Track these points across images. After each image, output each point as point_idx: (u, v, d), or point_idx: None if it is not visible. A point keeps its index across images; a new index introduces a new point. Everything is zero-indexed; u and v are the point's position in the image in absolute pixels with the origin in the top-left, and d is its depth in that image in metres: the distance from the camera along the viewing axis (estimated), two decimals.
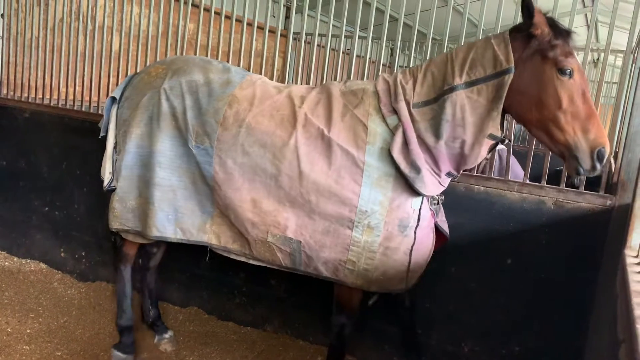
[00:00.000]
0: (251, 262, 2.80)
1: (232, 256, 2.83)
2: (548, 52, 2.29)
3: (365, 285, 2.60)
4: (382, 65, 3.52)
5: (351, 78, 3.35)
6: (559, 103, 2.27)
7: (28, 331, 3.43)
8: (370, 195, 2.48)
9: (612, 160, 3.13)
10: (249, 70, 3.23)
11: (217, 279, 3.81)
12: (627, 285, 1.71)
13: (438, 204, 2.70)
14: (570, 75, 2.28)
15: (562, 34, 2.32)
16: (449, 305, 3.15)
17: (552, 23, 2.34)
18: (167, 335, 3.43)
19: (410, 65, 3.36)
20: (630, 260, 2.08)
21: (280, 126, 2.60)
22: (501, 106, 2.35)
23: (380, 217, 2.49)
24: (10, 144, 4.56)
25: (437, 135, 2.43)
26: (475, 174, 3.10)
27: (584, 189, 2.84)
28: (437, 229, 2.71)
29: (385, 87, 2.58)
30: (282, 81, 3.45)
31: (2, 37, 4.65)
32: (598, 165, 2.26)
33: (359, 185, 2.48)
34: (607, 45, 2.90)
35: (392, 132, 2.49)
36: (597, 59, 8.13)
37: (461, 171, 2.60)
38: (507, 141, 2.54)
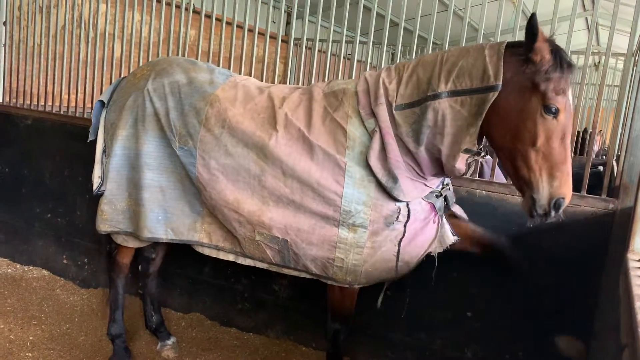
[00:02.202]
0: (240, 260, 2.79)
1: (221, 255, 2.82)
2: (540, 84, 2.11)
3: (356, 281, 2.59)
4: None
5: None
6: (534, 140, 2.13)
7: (31, 338, 3.43)
8: (354, 196, 2.45)
9: (615, 164, 3.13)
10: (250, 76, 3.24)
11: (220, 285, 3.81)
12: (630, 289, 1.71)
13: (441, 195, 2.64)
14: (556, 115, 2.12)
15: (562, 66, 2.13)
16: (452, 310, 3.14)
17: (556, 51, 2.15)
18: (169, 342, 3.42)
19: None
20: (633, 264, 2.08)
21: (261, 127, 2.58)
22: (480, 123, 2.22)
23: (365, 217, 2.47)
24: (12, 151, 4.58)
25: (418, 141, 2.35)
26: (477, 178, 3.10)
27: (586, 193, 2.84)
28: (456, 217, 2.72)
29: (365, 88, 2.51)
30: None
31: (5, 45, 4.68)
32: (553, 213, 2.15)
33: (342, 187, 2.45)
34: (607, 48, 2.90)
35: (371, 136, 2.44)
36: (598, 62, 8.14)
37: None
38: (482, 154, 2.39)
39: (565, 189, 2.13)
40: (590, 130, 4.14)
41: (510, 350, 3.04)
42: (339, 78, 3.77)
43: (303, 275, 2.69)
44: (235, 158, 2.61)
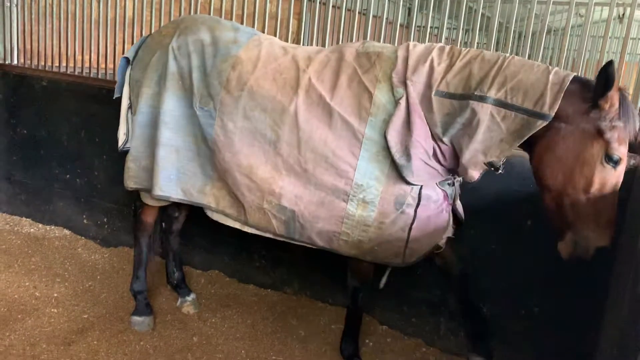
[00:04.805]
0: (246, 229, 2.79)
1: (229, 222, 2.82)
2: (605, 132, 2.05)
3: (360, 255, 2.59)
4: (400, 25, 3.44)
5: (367, 39, 3.27)
6: (588, 187, 2.09)
7: (55, 295, 3.53)
8: (367, 169, 2.42)
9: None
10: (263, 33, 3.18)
11: (238, 243, 3.85)
12: None
13: (453, 185, 2.61)
14: (616, 165, 2.07)
15: (628, 115, 2.06)
16: (468, 266, 3.15)
17: (623, 100, 2.08)
18: (189, 298, 3.50)
19: (428, 25, 3.27)
20: None
21: (282, 90, 2.54)
22: (516, 145, 2.20)
23: (376, 193, 2.43)
24: (29, 112, 4.60)
25: (445, 132, 2.32)
26: None
27: None
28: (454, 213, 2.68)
29: (405, 55, 2.41)
30: (297, 44, 3.40)
31: (17, 5, 4.64)
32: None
33: (356, 158, 2.41)
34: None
35: (397, 104, 2.37)
36: (623, 15, 7.85)
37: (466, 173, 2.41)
38: (500, 171, 2.37)
39: (609, 240, 2.14)
40: None
41: (526, 306, 3.06)
42: (355, 34, 3.70)
43: (308, 246, 2.69)
44: (252, 122, 2.59)
